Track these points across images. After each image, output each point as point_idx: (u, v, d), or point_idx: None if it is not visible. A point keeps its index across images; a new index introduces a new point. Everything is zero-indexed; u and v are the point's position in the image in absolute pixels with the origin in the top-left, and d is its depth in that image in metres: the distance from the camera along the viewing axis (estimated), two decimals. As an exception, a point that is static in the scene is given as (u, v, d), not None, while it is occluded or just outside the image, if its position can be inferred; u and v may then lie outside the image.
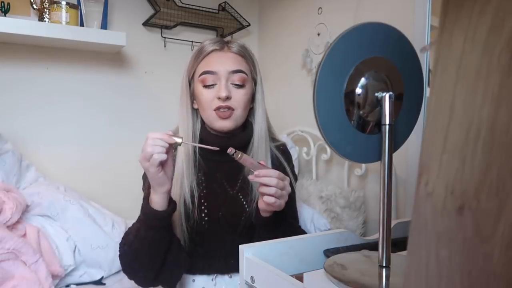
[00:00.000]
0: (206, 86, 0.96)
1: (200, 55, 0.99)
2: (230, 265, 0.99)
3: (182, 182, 0.96)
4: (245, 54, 1.00)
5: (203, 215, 0.98)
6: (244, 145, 1.01)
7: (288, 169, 1.06)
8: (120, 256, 0.93)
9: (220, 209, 0.99)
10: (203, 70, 0.97)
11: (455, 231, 0.28)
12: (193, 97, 1.02)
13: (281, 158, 1.07)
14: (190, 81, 1.01)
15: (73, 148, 1.66)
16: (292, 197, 1.07)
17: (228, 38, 1.02)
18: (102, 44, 1.52)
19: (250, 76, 1.00)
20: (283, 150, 1.10)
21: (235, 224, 0.99)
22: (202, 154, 1.01)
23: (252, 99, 1.03)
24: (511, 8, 0.25)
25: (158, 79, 1.83)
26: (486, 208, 0.26)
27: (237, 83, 0.97)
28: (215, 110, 0.95)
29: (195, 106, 1.02)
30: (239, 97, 0.97)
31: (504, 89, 0.25)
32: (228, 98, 0.95)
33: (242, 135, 1.02)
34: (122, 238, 0.94)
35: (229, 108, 0.95)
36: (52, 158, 1.61)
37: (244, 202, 1.01)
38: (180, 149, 0.97)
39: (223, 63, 0.96)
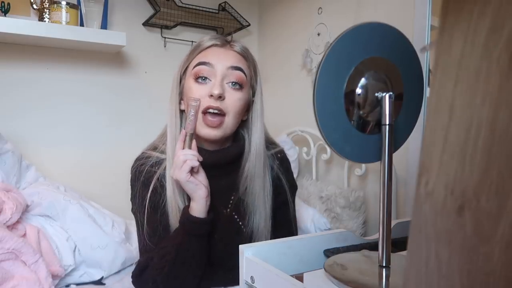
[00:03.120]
0: (198, 81, 0.87)
1: (197, 49, 0.90)
2: (228, 280, 0.93)
3: (175, 201, 0.90)
4: (247, 56, 0.92)
5: None
6: (234, 160, 0.93)
7: (284, 181, 1.00)
8: (162, 281, 0.85)
9: (215, 232, 0.91)
10: (198, 61, 0.88)
11: (455, 231, 0.28)
12: (181, 95, 0.93)
13: (280, 172, 1.00)
14: (181, 77, 0.93)
15: (73, 148, 1.66)
16: (288, 209, 1.01)
17: (229, 37, 0.95)
18: (102, 44, 1.52)
19: (249, 82, 0.91)
20: (282, 158, 1.02)
21: (232, 246, 0.89)
22: None
23: (247, 109, 0.94)
24: (510, 10, 0.25)
25: (158, 79, 1.83)
26: (486, 208, 0.26)
27: (234, 80, 0.87)
28: (204, 113, 0.86)
29: (182, 107, 0.93)
30: (233, 100, 0.87)
31: (504, 90, 0.26)
32: (221, 97, 0.85)
33: (231, 149, 0.92)
34: (152, 267, 0.86)
35: (220, 113, 0.86)
36: (52, 158, 1.61)
37: (240, 223, 0.94)
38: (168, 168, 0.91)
39: (222, 58, 0.87)
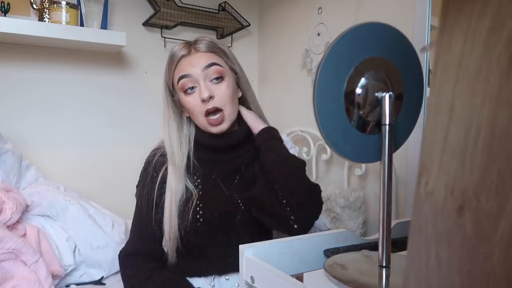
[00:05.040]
0: (187, 93, 0.95)
1: (172, 63, 0.97)
2: (227, 266, 0.98)
3: (176, 188, 0.96)
4: (213, 49, 0.97)
5: (198, 216, 0.96)
6: (242, 141, 1.00)
7: None
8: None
9: (216, 210, 0.97)
10: (178, 76, 0.96)
11: (455, 231, 0.28)
12: (181, 106, 1.00)
13: None
14: (172, 91, 1.00)
15: (73, 148, 1.66)
16: None
17: (198, 37, 1.00)
18: (102, 44, 1.52)
19: (227, 68, 0.97)
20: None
21: (230, 224, 0.97)
22: (197, 155, 1.00)
23: (238, 86, 1.01)
24: (510, 10, 0.25)
25: (158, 79, 1.81)
26: (486, 208, 0.26)
27: (215, 76, 0.94)
28: (205, 116, 0.94)
29: (187, 115, 1.01)
30: (221, 93, 0.94)
31: (504, 90, 0.26)
32: (211, 97, 0.93)
33: (237, 132, 1.00)
34: (129, 271, 0.96)
35: (217, 110, 0.93)
36: (52, 158, 1.61)
37: (240, 202, 0.99)
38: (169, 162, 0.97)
39: (194, 64, 0.94)
